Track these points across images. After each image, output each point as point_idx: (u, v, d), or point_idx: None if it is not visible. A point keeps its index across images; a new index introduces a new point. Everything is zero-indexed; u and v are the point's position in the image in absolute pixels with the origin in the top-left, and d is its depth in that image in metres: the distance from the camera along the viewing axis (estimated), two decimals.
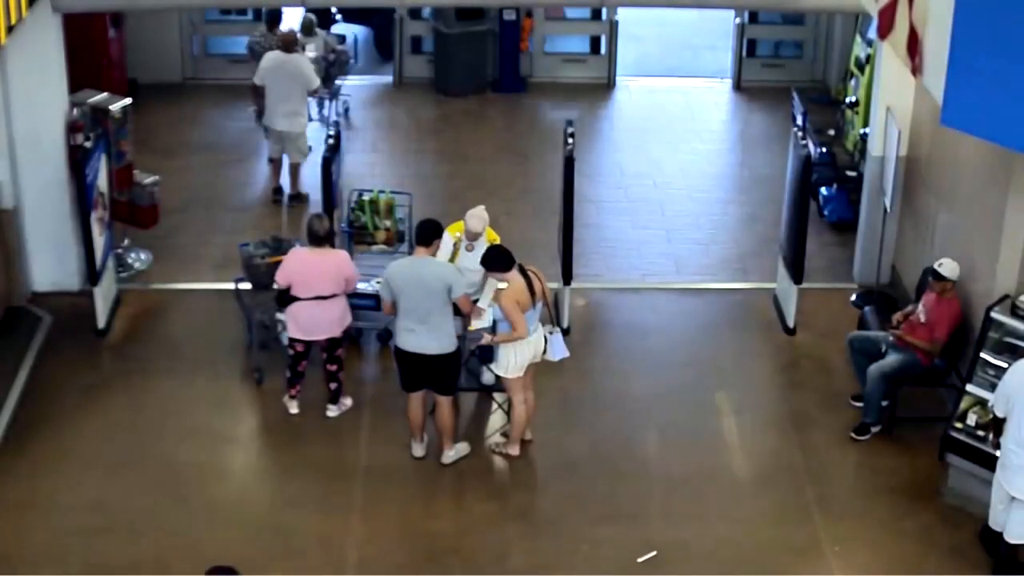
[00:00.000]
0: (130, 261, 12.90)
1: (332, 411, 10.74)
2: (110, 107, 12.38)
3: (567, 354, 10.12)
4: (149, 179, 12.79)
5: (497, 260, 9.76)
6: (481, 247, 10.51)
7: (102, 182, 11.71)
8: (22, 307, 12.04)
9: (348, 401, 10.82)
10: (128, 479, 10.01)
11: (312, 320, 10.33)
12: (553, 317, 10.19)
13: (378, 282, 11.40)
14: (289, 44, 14.09)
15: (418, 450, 10.22)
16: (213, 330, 11.84)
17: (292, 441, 10.53)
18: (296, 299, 10.25)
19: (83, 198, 11.27)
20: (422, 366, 9.83)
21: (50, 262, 12.26)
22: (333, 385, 10.70)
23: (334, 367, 10.62)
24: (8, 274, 11.91)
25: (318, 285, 10.22)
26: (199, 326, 11.98)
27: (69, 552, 9.28)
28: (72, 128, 11.98)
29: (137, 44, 16.67)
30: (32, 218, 12.11)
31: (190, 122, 16.43)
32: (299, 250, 10.44)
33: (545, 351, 10.01)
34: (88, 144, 11.43)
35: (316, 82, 14.19)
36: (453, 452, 10.15)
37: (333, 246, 10.61)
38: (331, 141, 11.66)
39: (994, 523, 8.98)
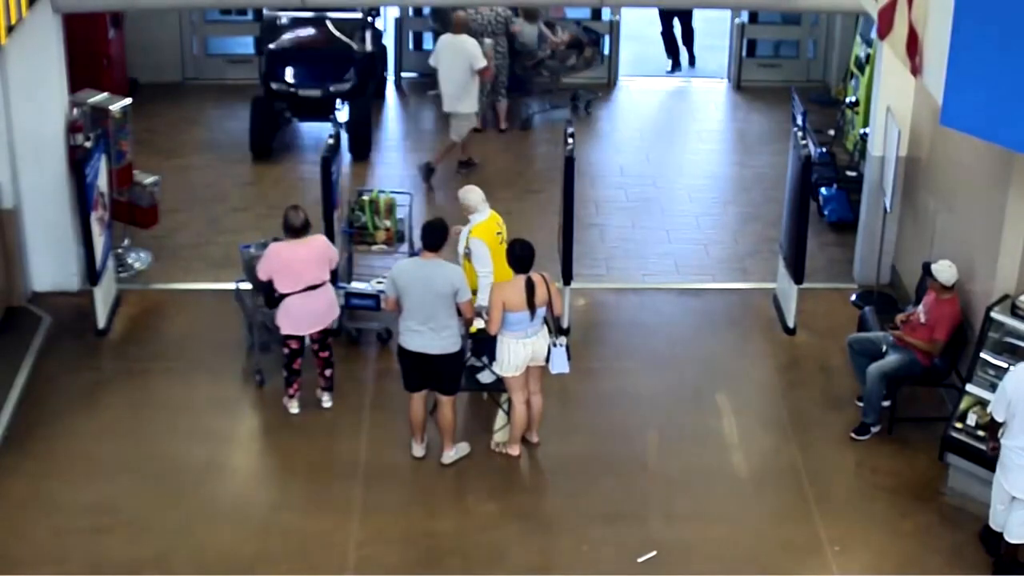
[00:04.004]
0: (130, 261, 12.91)
1: (327, 401, 10.78)
2: (110, 107, 12.38)
3: (567, 370, 10.11)
4: (149, 179, 12.80)
5: (513, 261, 9.83)
6: (473, 223, 10.64)
7: (102, 182, 11.71)
8: (22, 307, 12.04)
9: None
10: (128, 479, 10.01)
11: (305, 312, 10.33)
12: (553, 328, 10.14)
13: (379, 281, 11.42)
14: (459, 25, 14.57)
15: (418, 450, 10.22)
16: (213, 330, 11.83)
17: (292, 441, 10.53)
18: (284, 296, 10.25)
19: (83, 198, 11.27)
20: (425, 366, 9.84)
21: (50, 262, 12.26)
22: (328, 372, 10.74)
23: (326, 354, 10.67)
24: (8, 274, 11.91)
25: (307, 275, 10.25)
26: (199, 326, 11.98)
27: (69, 551, 9.28)
28: (72, 128, 11.98)
29: (137, 44, 16.69)
30: (32, 218, 12.11)
31: (190, 122, 16.43)
32: (277, 245, 10.39)
33: (547, 359, 10.03)
34: (88, 144, 11.43)
35: (481, 62, 14.55)
36: (453, 452, 10.16)
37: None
38: (331, 141, 11.64)
39: (994, 523, 8.98)
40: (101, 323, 11.75)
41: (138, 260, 12.97)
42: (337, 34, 15.74)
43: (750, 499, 9.98)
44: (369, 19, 16.19)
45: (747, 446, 10.56)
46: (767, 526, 9.69)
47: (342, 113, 14.96)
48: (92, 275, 11.56)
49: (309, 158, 15.05)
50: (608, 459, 10.32)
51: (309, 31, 15.83)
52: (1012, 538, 8.88)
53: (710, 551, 9.43)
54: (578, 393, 11.04)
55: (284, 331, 10.43)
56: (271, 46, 15.55)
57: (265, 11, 16.09)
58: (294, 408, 10.75)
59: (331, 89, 14.98)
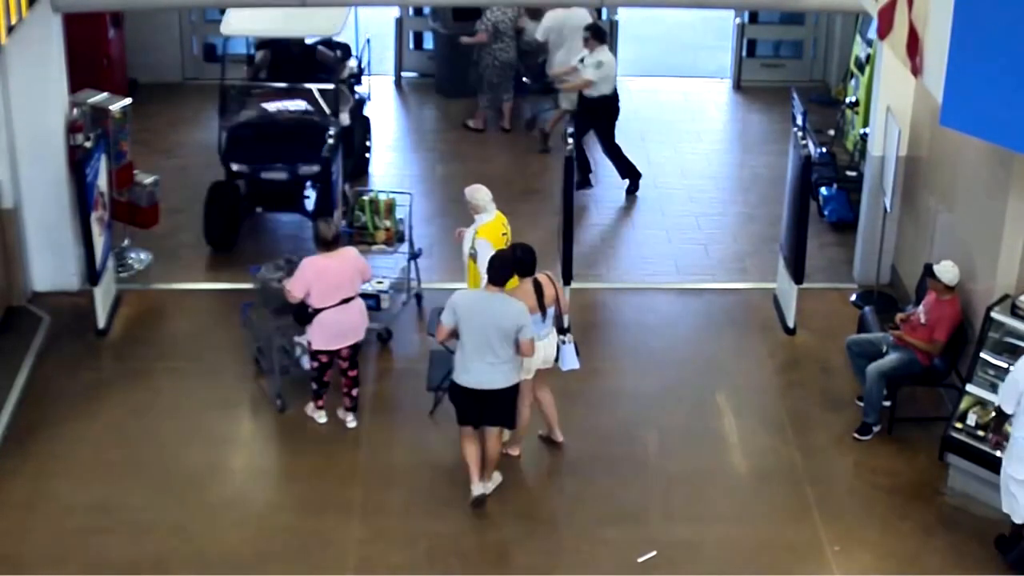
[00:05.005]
0: (130, 261, 12.90)
1: (352, 421, 10.53)
2: (110, 107, 12.38)
3: (577, 366, 10.10)
4: (149, 179, 12.80)
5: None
6: (476, 225, 10.58)
7: (102, 182, 11.71)
8: (22, 307, 12.03)
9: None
10: (128, 479, 10.01)
11: (341, 326, 10.13)
12: (562, 325, 10.09)
13: (378, 281, 11.41)
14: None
15: (478, 488, 9.66)
16: (213, 330, 11.83)
17: (292, 441, 10.52)
18: (317, 311, 10.03)
19: (83, 198, 11.26)
20: (481, 401, 9.48)
21: (50, 262, 12.25)
22: (355, 392, 10.47)
23: (355, 372, 10.42)
24: (8, 274, 11.91)
25: (341, 289, 10.06)
26: (199, 326, 11.98)
27: (69, 552, 9.28)
28: (72, 128, 11.98)
29: (137, 44, 16.68)
30: (32, 218, 12.11)
31: (190, 122, 16.41)
32: (313, 258, 10.10)
33: (557, 359, 10.00)
34: (88, 144, 11.43)
35: None
36: (491, 485, 9.82)
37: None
38: (331, 141, 11.63)
39: (1009, 509, 9.00)
40: (101, 323, 11.74)
41: (138, 260, 12.96)
42: (307, 106, 13.60)
43: (750, 499, 9.98)
44: (348, 85, 14.46)
45: (747, 446, 10.56)
46: (767, 526, 9.69)
47: (311, 200, 12.94)
48: (92, 275, 11.56)
49: None
50: (608, 459, 10.32)
51: (274, 102, 13.71)
52: (1017, 518, 8.92)
53: (710, 551, 9.43)
54: (578, 393, 11.03)
55: (317, 346, 10.17)
56: (231, 121, 13.51)
57: (223, 80, 14.11)
58: (322, 418, 10.54)
59: (300, 172, 12.84)
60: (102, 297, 11.73)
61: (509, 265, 9.46)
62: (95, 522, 9.55)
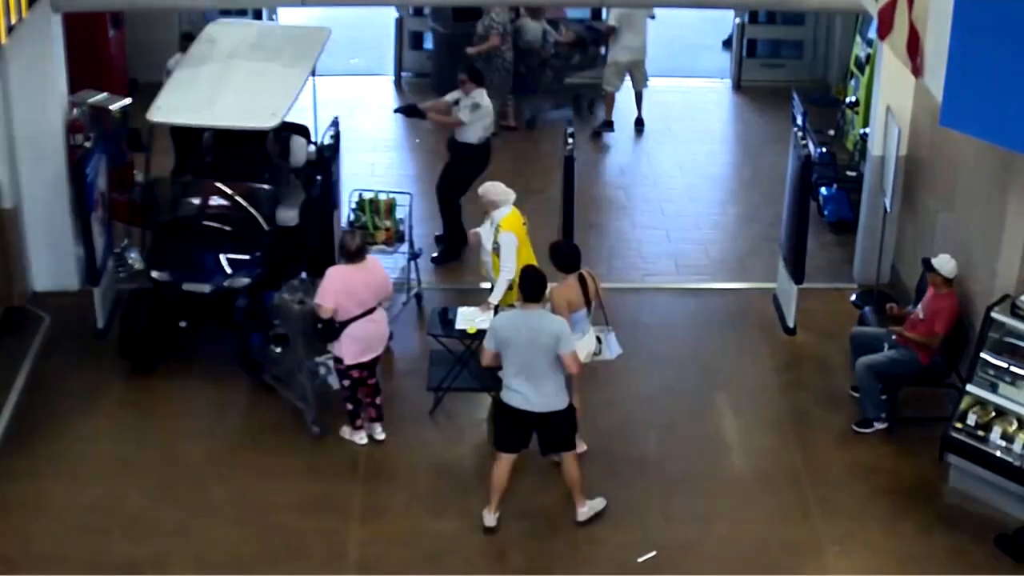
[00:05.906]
0: (130, 261, 12.89)
1: (380, 432, 10.42)
2: (110, 107, 12.38)
3: (621, 351, 10.17)
4: None
5: (562, 260, 9.99)
6: (495, 220, 10.60)
7: (102, 182, 11.70)
8: (22, 307, 12.04)
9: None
10: (128, 479, 10.01)
11: (370, 336, 10.02)
12: (606, 317, 10.19)
13: None
14: None
15: (490, 519, 9.53)
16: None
17: (292, 441, 10.51)
18: (343, 325, 9.89)
19: (83, 198, 11.25)
20: (528, 425, 9.32)
21: (50, 262, 12.26)
22: (379, 400, 10.35)
23: (374, 380, 10.34)
24: (8, 274, 11.90)
25: (367, 299, 9.95)
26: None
27: (69, 552, 9.28)
28: (72, 128, 11.98)
29: (137, 44, 16.67)
30: (32, 218, 12.11)
31: None
32: (337, 268, 9.98)
33: (598, 352, 10.03)
34: (88, 144, 11.42)
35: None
36: (587, 508, 9.65)
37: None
38: (331, 141, 11.62)
39: None
40: (101, 323, 11.73)
41: (138, 260, 12.95)
42: (242, 203, 11.35)
43: (750, 499, 9.98)
44: (305, 176, 12.16)
45: (747, 446, 10.56)
46: (767, 526, 9.68)
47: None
48: (92, 275, 11.55)
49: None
50: (608, 459, 10.32)
51: (204, 199, 11.55)
52: None
53: (710, 551, 9.43)
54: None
55: (349, 361, 10.01)
56: (157, 219, 11.70)
57: (147, 174, 12.26)
58: (362, 439, 10.39)
59: (225, 285, 11.10)
60: (102, 297, 11.72)
61: (542, 281, 9.34)
62: (94, 521, 9.55)
